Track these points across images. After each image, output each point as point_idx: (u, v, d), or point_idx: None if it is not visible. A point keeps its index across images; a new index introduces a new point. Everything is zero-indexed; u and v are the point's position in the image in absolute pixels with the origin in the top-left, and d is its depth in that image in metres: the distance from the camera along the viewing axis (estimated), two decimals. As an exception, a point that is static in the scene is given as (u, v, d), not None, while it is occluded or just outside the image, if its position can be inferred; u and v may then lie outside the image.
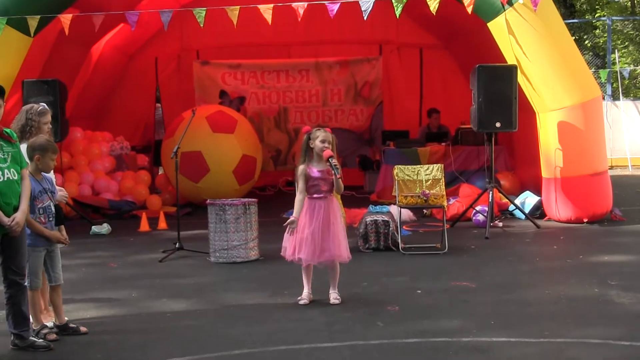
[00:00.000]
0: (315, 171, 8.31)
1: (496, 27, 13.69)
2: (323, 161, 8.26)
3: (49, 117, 8.03)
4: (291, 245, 8.37)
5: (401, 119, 20.38)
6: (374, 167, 19.19)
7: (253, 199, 11.39)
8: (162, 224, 14.17)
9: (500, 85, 13.19)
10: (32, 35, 13.35)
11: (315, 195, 8.33)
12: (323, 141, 8.25)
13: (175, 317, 8.07)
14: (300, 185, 8.38)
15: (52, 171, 7.71)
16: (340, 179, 8.19)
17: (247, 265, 10.69)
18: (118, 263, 11.12)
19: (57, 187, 7.83)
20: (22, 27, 13.16)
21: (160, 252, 11.50)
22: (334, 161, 8.16)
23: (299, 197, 8.37)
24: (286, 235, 8.39)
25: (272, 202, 17.33)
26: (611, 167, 23.55)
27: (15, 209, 6.86)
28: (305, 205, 8.36)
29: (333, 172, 8.16)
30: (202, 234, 11.52)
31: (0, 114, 6.92)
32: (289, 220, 8.28)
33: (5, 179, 6.81)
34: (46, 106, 8.13)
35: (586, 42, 35.07)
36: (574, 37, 32.57)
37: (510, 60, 13.62)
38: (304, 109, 20.88)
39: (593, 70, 27.20)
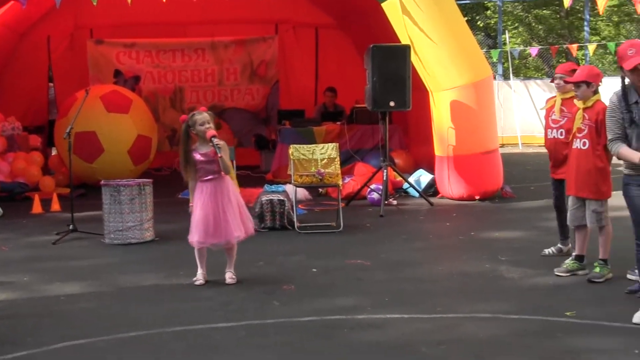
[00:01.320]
0: (199, 155, 8.28)
1: (390, 7, 13.81)
2: (206, 143, 8.23)
3: None
4: (191, 229, 8.38)
5: (297, 98, 20.40)
6: (270, 147, 19.20)
7: (148, 180, 11.32)
8: (56, 205, 13.93)
9: (394, 65, 13.31)
10: None
11: (204, 178, 8.31)
12: (202, 123, 8.22)
13: (69, 300, 7.99)
14: (189, 172, 8.37)
15: None
16: (223, 158, 8.14)
17: (142, 246, 10.63)
18: (9, 246, 10.91)
19: None
20: None
21: (53, 234, 11.32)
22: (217, 141, 8.11)
23: (191, 184, 8.43)
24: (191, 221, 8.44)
25: (168, 182, 17.17)
26: (502, 145, 23.90)
27: None
28: (197, 190, 8.36)
29: (216, 151, 8.13)
30: (97, 215, 11.37)
31: None
32: (189, 210, 8.37)
33: None
34: None
35: (478, 22, 35.53)
36: (466, 18, 32.96)
37: (404, 41, 13.75)
38: (200, 88, 20.76)
39: (485, 50, 27.61)
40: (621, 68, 6.84)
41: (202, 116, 8.26)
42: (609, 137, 7.01)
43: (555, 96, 9.31)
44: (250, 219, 8.63)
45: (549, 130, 9.25)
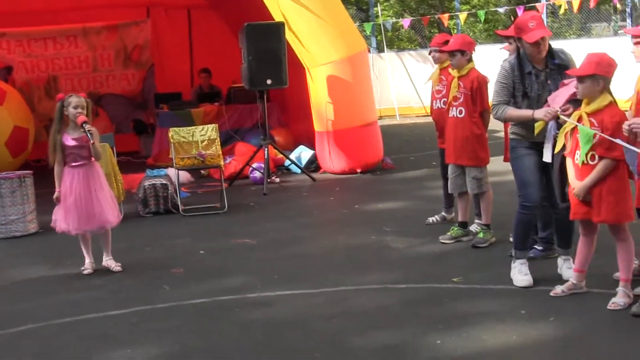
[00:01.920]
0: (70, 139, 8.18)
1: (261, -16, 13.86)
2: (79, 128, 8.14)
3: None
4: (59, 217, 8.31)
5: (173, 81, 20.24)
6: (149, 131, 19.08)
7: (28, 171, 11.20)
8: None
9: (269, 42, 13.34)
10: None
11: (73, 164, 8.22)
12: (76, 107, 8.09)
13: (-44, 297, 7.90)
14: (57, 156, 8.26)
15: None
16: (94, 145, 8.06)
17: (26, 239, 10.51)
18: None
19: None
20: None
21: None
22: (88, 127, 8.01)
23: (57, 169, 8.30)
24: (56, 208, 8.35)
25: (48, 173, 16.85)
26: (380, 118, 24.18)
27: None
28: (65, 175, 8.26)
29: (88, 137, 8.06)
30: (-23, 210, 11.20)
31: None
32: (54, 196, 8.25)
33: None
34: None
35: (350, -4, 35.76)
36: (338, -8, 33.25)
37: (278, 18, 13.82)
38: (74, 75, 20.44)
39: (358, 24, 27.81)
40: (519, 39, 6.95)
41: (79, 100, 8.14)
42: (494, 101, 7.05)
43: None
44: (117, 208, 8.59)
45: (434, 101, 9.44)
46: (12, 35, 19.82)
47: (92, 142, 8.03)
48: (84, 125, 8.03)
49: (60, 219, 8.28)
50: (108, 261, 8.46)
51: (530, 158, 6.99)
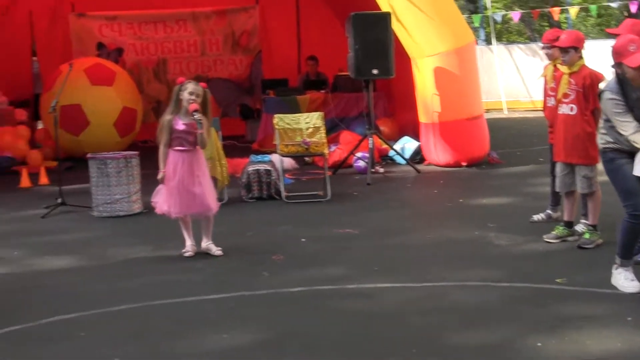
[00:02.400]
0: (180, 124, 8.23)
1: (370, -26, 13.80)
2: (190, 114, 8.18)
3: None
4: (161, 198, 8.38)
5: (280, 67, 20.35)
6: (255, 116, 19.21)
7: (134, 152, 11.35)
8: (44, 179, 13.94)
9: (375, 32, 13.31)
10: None
11: (179, 148, 8.27)
12: (191, 93, 8.16)
13: (60, 273, 8.02)
14: (164, 138, 8.32)
15: None
16: (202, 134, 8.12)
17: (130, 219, 10.66)
18: (-2, 221, 10.98)
19: None
20: None
21: (42, 208, 11.34)
22: (198, 115, 8.06)
23: (162, 150, 8.36)
24: (157, 189, 8.42)
25: (154, 153, 17.05)
26: (487, 111, 23.97)
27: None
28: (170, 158, 8.31)
29: (197, 126, 8.11)
30: (85, 188, 11.38)
31: None
32: (158, 177, 8.32)
33: None
34: None
35: (460, -13, 35.47)
36: (448, -17, 32.99)
37: (385, 8, 13.74)
38: (183, 59, 20.73)
39: (466, 15, 27.57)
40: (619, 64, 6.69)
41: (195, 87, 8.22)
42: (630, 130, 6.72)
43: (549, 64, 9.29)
44: (215, 198, 8.62)
45: (548, 98, 9.21)
46: (124, 18, 20.20)
47: (200, 131, 8.08)
48: (194, 113, 8.08)
49: (162, 201, 8.36)
50: (209, 245, 8.50)
51: (630, 167, 6.77)
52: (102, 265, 8.30)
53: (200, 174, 8.32)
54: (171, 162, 8.29)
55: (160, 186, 8.40)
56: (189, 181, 8.24)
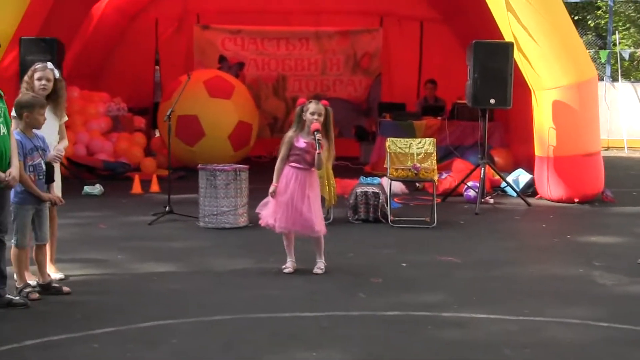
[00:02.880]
0: (301, 141, 8.31)
1: (495, 3, 13.65)
2: (310, 134, 8.25)
3: (44, 74, 7.85)
4: (268, 211, 8.42)
5: (399, 91, 20.36)
6: (370, 139, 19.20)
7: (244, 165, 11.43)
8: (155, 186, 14.19)
9: (496, 61, 13.19)
10: (31, -8, 13.31)
11: (295, 165, 8.34)
12: (313, 113, 8.25)
13: (160, 280, 8.13)
14: (282, 152, 8.42)
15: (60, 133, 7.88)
16: (319, 155, 8.14)
17: (235, 232, 10.74)
18: (107, 224, 11.18)
19: (59, 146, 7.90)
20: (22, -16, 13.11)
21: (150, 214, 11.53)
22: (319, 135, 8.12)
23: (278, 164, 8.44)
24: (264, 200, 8.47)
25: (266, 169, 17.18)
26: (608, 148, 23.66)
27: (8, 165, 6.91)
28: (284, 172, 8.38)
29: (316, 146, 8.14)
30: (194, 198, 11.51)
31: None
32: (270, 190, 8.37)
33: (2, 134, 6.85)
34: (48, 64, 8.03)
35: (589, 22, 34.96)
36: (577, 17, 32.61)
37: (508, 37, 13.61)
38: (303, 77, 20.88)
39: (594, 50, 27.18)
40: None
41: (317, 107, 8.29)
42: None
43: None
44: (322, 221, 8.61)
45: None
46: (247, 32, 20.46)
47: (318, 151, 8.12)
48: (315, 133, 8.13)
49: (268, 214, 8.41)
50: (317, 263, 8.52)
51: None
52: (202, 275, 8.39)
53: (311, 195, 8.36)
54: (284, 177, 8.37)
55: (267, 199, 8.45)
56: (299, 199, 8.28)
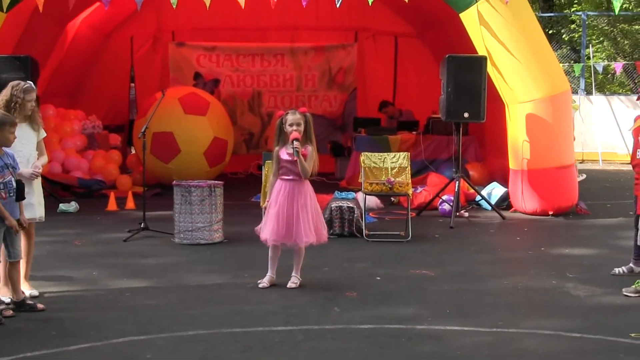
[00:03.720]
0: (285, 154, 8.37)
1: (468, 18, 13.74)
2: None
3: (33, 95, 8.00)
4: (263, 225, 8.47)
5: (374, 106, 20.37)
6: (345, 154, 19.24)
7: (219, 182, 11.42)
8: (130, 203, 14.19)
9: (469, 75, 13.25)
10: (4, 10, 13.30)
11: (284, 177, 8.40)
12: (291, 124, 8.30)
13: (134, 296, 8.12)
14: (273, 168, 8.54)
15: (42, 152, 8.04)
16: (300, 162, 8.19)
17: (210, 247, 10.73)
18: (82, 241, 11.16)
19: (37, 163, 7.92)
20: (-5, 3, 13.11)
21: (125, 231, 11.53)
22: (296, 144, 8.17)
23: (271, 180, 8.56)
24: (264, 217, 8.54)
25: (242, 185, 17.38)
26: (582, 161, 23.78)
27: None
28: (275, 186, 8.45)
29: (294, 154, 8.19)
30: (169, 214, 11.48)
31: None
32: (263, 205, 8.51)
33: None
34: (32, 84, 8.11)
35: (564, 36, 35.15)
36: (551, 31, 32.82)
37: (481, 51, 13.68)
38: (278, 93, 20.93)
39: (568, 64, 27.33)
40: None
41: (295, 117, 8.35)
42: None
43: (643, 114, 9.14)
44: (325, 228, 8.69)
45: (638, 150, 9.07)
46: (223, 49, 20.51)
47: (295, 159, 8.19)
48: (293, 142, 8.19)
49: (262, 228, 8.46)
50: (292, 277, 8.54)
51: None
52: (177, 290, 8.38)
53: (300, 205, 8.38)
54: (275, 190, 8.45)
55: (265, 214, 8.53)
56: (288, 209, 8.33)
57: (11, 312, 7.29)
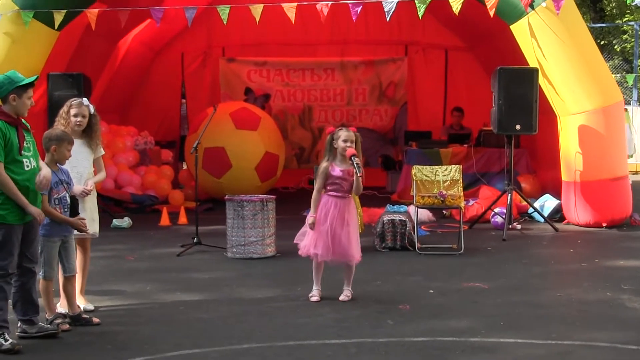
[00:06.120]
0: (337, 170, 8.36)
1: (519, 30, 13.69)
2: (346, 161, 8.30)
3: (80, 111, 8.01)
4: (308, 241, 8.46)
5: (425, 119, 20.42)
6: (397, 167, 19.23)
7: (271, 196, 11.48)
8: (183, 218, 14.30)
9: (521, 87, 13.20)
10: (57, 28, 13.46)
11: (333, 193, 8.39)
12: (345, 140, 8.30)
13: (188, 310, 8.17)
14: (318, 183, 8.49)
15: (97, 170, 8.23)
16: (360, 179, 8.20)
17: (262, 261, 10.78)
18: (136, 256, 11.27)
19: (89, 181, 8.04)
20: (49, 21, 13.27)
21: (178, 246, 11.62)
22: (357, 160, 8.16)
23: (315, 195, 8.48)
24: (301, 230, 8.52)
25: (293, 199, 17.41)
26: (635, 173, 23.52)
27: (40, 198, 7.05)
28: (322, 202, 8.43)
29: (355, 171, 8.19)
30: (221, 229, 11.56)
31: (30, 103, 7.07)
32: (309, 221, 8.41)
33: (32, 167, 6.95)
34: (85, 101, 8.16)
35: (615, 46, 34.90)
36: (603, 42, 32.56)
37: (532, 63, 13.62)
38: (329, 107, 20.97)
39: (620, 75, 27.10)
40: None
41: (348, 133, 8.35)
42: None
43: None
44: (359, 247, 8.65)
45: None
46: (273, 64, 20.58)
47: (360, 174, 8.17)
48: (352, 158, 8.19)
49: (309, 244, 8.45)
50: (344, 291, 8.55)
51: None
52: (229, 304, 8.41)
53: (350, 222, 8.41)
54: (323, 206, 8.42)
55: (304, 229, 8.54)
56: (338, 226, 8.34)
57: (67, 326, 7.36)
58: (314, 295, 8.50)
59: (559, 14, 12.95)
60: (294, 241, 8.65)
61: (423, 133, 18.86)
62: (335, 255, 8.39)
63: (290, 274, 9.83)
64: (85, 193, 7.97)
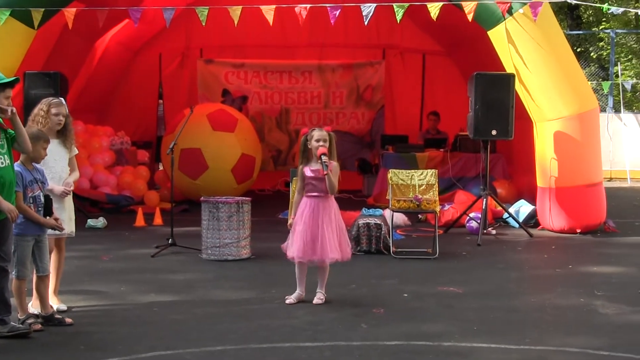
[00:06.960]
0: (309, 170, 8.40)
1: (496, 35, 13.74)
2: (318, 161, 8.33)
3: (60, 110, 8.04)
4: (290, 243, 8.50)
5: (402, 123, 20.45)
6: (373, 171, 19.24)
7: (247, 198, 11.47)
8: (158, 219, 14.26)
9: (497, 93, 13.24)
10: (35, 27, 13.40)
11: (309, 194, 8.43)
12: (318, 140, 8.36)
13: (162, 311, 8.16)
14: (298, 185, 8.57)
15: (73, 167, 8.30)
16: (328, 176, 8.20)
17: (237, 263, 10.77)
18: (110, 257, 11.23)
19: (68, 179, 8.11)
20: (26, 19, 13.20)
21: (153, 247, 11.57)
22: (325, 158, 8.21)
23: (295, 198, 8.59)
24: (290, 235, 8.57)
25: (269, 201, 17.41)
26: (610, 179, 23.65)
27: (14, 195, 7.00)
28: (300, 204, 8.48)
29: (322, 169, 8.21)
30: (197, 230, 11.54)
31: (8, 104, 7.03)
32: (288, 223, 8.52)
33: (7, 164, 6.92)
34: (62, 100, 8.18)
35: (592, 54, 35.07)
36: (579, 49, 32.73)
37: (509, 69, 13.67)
38: (306, 110, 20.97)
39: (596, 82, 27.23)
40: None
41: (321, 133, 8.42)
42: None
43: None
44: (349, 245, 8.69)
45: None
46: (250, 66, 20.58)
47: (325, 172, 8.20)
48: (321, 157, 8.23)
49: (288, 246, 8.50)
50: (317, 294, 8.55)
51: None
52: (205, 306, 8.40)
53: (325, 221, 8.40)
54: (300, 207, 8.48)
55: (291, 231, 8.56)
56: (314, 226, 8.35)
57: (40, 326, 7.33)
58: (291, 298, 8.50)
59: (536, 21, 13.00)
60: (281, 245, 8.66)
61: (400, 137, 18.89)
62: (311, 255, 8.39)
63: (265, 276, 9.84)
64: (66, 193, 7.99)
